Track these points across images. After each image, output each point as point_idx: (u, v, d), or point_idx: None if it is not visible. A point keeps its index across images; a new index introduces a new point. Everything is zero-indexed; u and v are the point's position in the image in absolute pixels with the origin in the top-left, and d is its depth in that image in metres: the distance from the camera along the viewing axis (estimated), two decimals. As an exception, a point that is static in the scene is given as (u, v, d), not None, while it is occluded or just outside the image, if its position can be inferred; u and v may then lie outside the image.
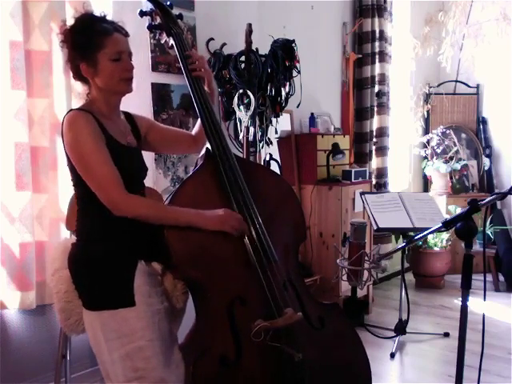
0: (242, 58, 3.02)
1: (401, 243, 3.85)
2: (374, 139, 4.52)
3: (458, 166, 5.02)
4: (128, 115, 1.85)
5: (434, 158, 5.07)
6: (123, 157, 1.66)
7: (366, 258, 2.04)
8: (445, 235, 4.51)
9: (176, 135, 2.04)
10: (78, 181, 1.66)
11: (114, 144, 1.65)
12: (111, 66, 1.65)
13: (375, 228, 3.20)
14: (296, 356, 1.60)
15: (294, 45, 3.11)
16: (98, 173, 1.58)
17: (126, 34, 1.73)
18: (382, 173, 4.58)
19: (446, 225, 1.62)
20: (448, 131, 5.06)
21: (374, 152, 4.51)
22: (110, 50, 1.64)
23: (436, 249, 4.57)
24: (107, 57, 1.64)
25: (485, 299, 1.68)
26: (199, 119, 1.91)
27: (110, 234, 1.66)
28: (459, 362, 1.59)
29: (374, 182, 4.45)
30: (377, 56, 4.43)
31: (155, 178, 2.92)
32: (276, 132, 3.31)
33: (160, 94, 2.97)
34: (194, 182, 1.77)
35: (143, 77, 2.83)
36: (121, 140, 1.70)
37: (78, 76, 1.70)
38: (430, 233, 1.81)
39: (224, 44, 3.13)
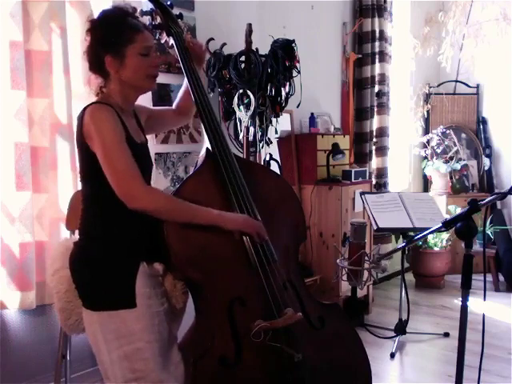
0: (242, 58, 3.02)
1: (401, 243, 3.85)
2: (374, 139, 4.52)
3: (458, 166, 5.02)
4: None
5: (434, 157, 5.07)
6: (139, 155, 1.64)
7: (366, 257, 2.04)
8: (445, 235, 4.51)
9: (162, 115, 2.03)
10: (86, 177, 1.66)
11: (131, 142, 1.63)
12: (139, 61, 1.64)
13: (375, 228, 3.20)
14: (296, 356, 1.61)
15: (293, 45, 3.11)
16: (119, 164, 1.55)
17: (152, 33, 1.76)
18: (381, 173, 4.58)
19: (446, 225, 1.62)
20: (448, 131, 5.06)
21: (374, 152, 4.51)
22: (140, 45, 1.64)
23: (436, 249, 4.57)
24: (136, 51, 1.63)
25: (485, 299, 1.67)
26: (182, 87, 1.96)
27: (112, 235, 1.65)
28: (459, 362, 1.59)
29: (374, 181, 4.45)
30: (377, 56, 4.43)
31: (155, 178, 2.91)
32: (276, 132, 3.31)
33: (160, 93, 2.96)
34: (194, 181, 1.77)
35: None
36: (136, 138, 1.69)
37: (97, 68, 1.67)
38: (430, 233, 1.80)
39: (224, 44, 3.13)
